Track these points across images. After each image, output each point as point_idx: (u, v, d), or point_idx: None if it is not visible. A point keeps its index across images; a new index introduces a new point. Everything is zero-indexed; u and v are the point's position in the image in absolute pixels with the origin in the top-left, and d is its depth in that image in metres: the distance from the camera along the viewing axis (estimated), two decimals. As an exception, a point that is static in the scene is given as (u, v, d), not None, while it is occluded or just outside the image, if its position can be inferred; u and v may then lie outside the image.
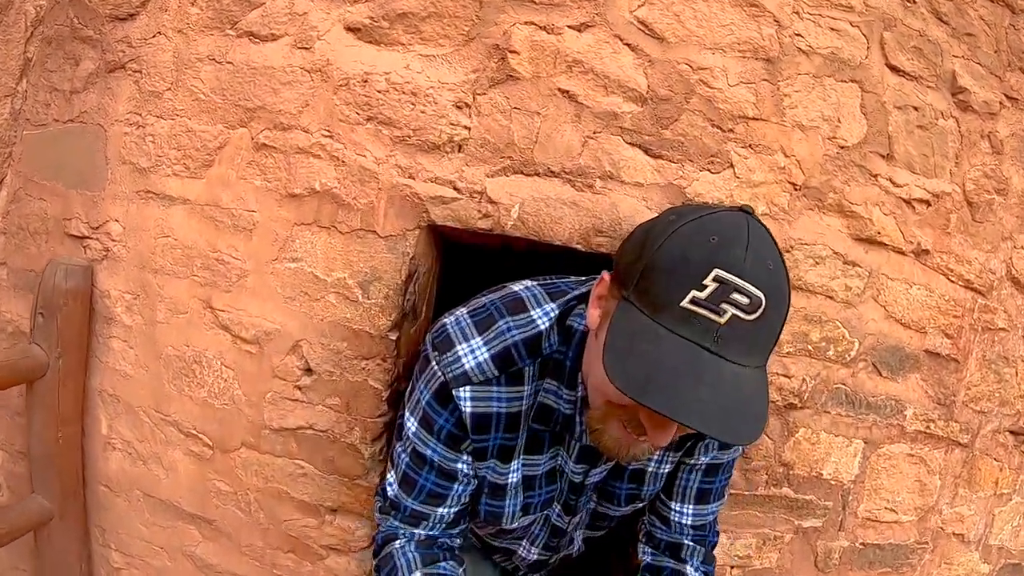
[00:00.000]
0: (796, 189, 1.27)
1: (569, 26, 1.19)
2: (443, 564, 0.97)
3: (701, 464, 1.05)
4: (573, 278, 0.99)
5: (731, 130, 1.22)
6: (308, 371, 1.34)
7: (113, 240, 1.48)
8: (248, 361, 1.38)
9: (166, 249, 1.43)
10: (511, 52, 1.18)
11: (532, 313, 0.92)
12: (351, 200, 1.24)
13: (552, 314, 0.92)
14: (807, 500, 1.41)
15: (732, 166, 1.24)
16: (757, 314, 0.67)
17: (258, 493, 1.45)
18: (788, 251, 1.26)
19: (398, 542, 0.99)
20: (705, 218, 0.71)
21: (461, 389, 0.90)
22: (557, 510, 1.06)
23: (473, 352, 0.90)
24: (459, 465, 0.95)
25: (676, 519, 1.09)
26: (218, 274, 1.37)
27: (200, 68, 1.37)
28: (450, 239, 1.53)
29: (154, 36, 1.43)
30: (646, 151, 1.21)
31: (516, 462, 0.98)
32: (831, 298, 1.31)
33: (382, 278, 1.24)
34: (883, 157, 1.28)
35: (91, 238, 1.51)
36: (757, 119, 1.23)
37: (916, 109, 1.29)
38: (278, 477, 1.44)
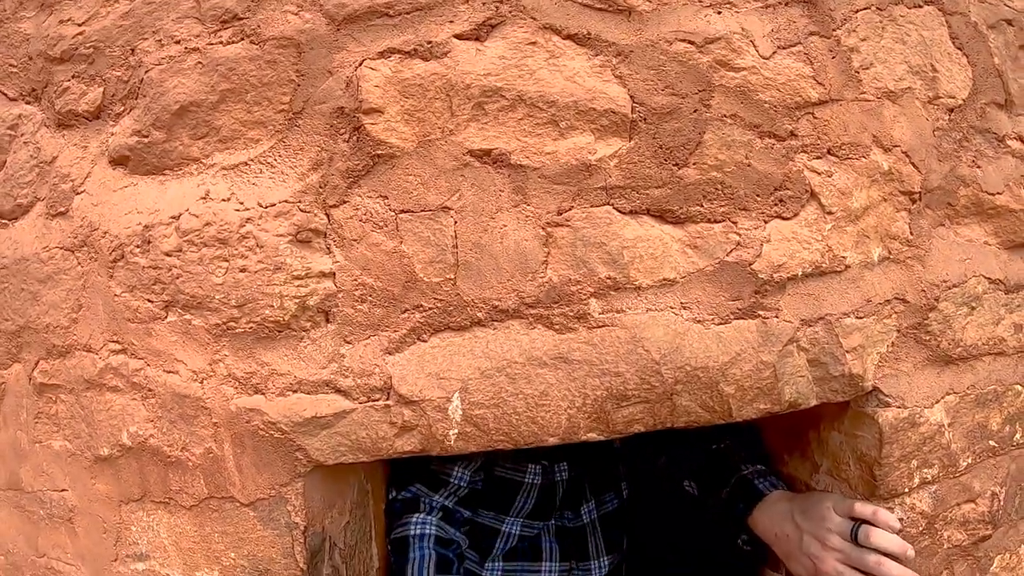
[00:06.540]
0: (915, 200, 0.74)
1: (459, 35, 0.64)
2: None
3: None
4: None
5: (792, 133, 0.66)
6: None
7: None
8: None
9: (-14, 561, 0.93)
10: (368, 112, 0.64)
11: None
12: (179, 453, 0.69)
13: None
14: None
15: (815, 196, 0.67)
16: None
17: None
18: (932, 308, 0.74)
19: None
20: None
21: None
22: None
23: None
24: None
25: None
26: (50, 595, 0.86)
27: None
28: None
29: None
30: (661, 216, 0.64)
31: None
32: (1002, 353, 0.80)
33: (270, 571, 0.69)
34: (1000, 107, 0.80)
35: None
36: (826, 102, 0.67)
37: (1010, 24, 0.80)
38: None
